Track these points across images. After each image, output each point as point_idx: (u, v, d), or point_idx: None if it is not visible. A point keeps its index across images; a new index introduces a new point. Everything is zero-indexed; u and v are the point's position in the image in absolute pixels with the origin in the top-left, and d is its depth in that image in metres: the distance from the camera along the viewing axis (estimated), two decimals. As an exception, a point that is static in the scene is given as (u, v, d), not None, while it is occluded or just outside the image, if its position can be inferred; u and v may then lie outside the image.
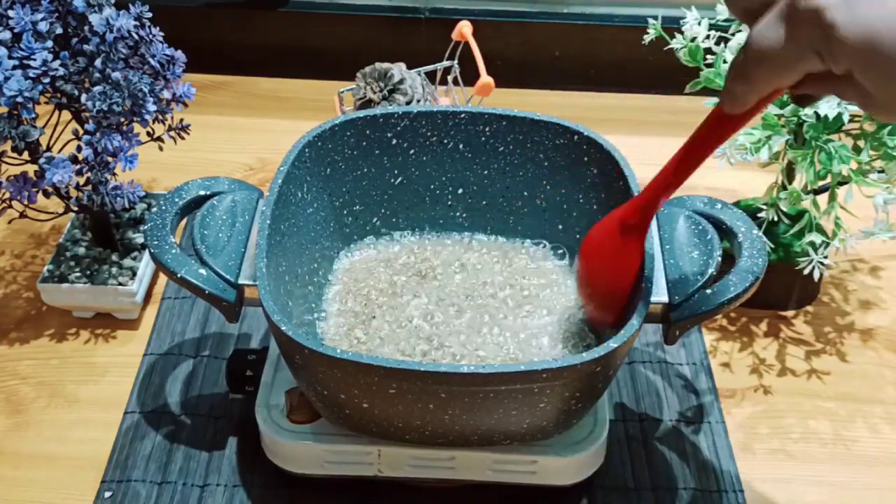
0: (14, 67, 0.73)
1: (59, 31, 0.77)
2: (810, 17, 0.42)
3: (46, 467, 0.77)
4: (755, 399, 0.83)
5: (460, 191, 0.81)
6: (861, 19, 0.40)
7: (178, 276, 0.67)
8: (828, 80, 0.45)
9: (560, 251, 0.81)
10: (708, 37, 0.82)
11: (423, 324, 0.75)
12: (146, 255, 0.89)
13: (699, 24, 0.82)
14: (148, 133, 0.84)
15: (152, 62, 0.79)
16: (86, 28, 0.78)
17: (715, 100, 0.82)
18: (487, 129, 0.78)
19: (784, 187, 0.83)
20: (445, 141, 0.79)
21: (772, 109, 0.77)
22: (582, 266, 0.69)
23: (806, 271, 0.79)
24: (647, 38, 0.85)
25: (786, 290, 0.90)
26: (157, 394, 0.82)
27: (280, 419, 0.72)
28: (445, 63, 1.00)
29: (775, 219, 0.83)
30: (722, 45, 0.81)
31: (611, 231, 0.66)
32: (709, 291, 0.67)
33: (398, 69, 0.92)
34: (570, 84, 1.21)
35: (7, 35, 0.74)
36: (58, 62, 0.75)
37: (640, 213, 0.64)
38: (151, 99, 0.78)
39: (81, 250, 0.89)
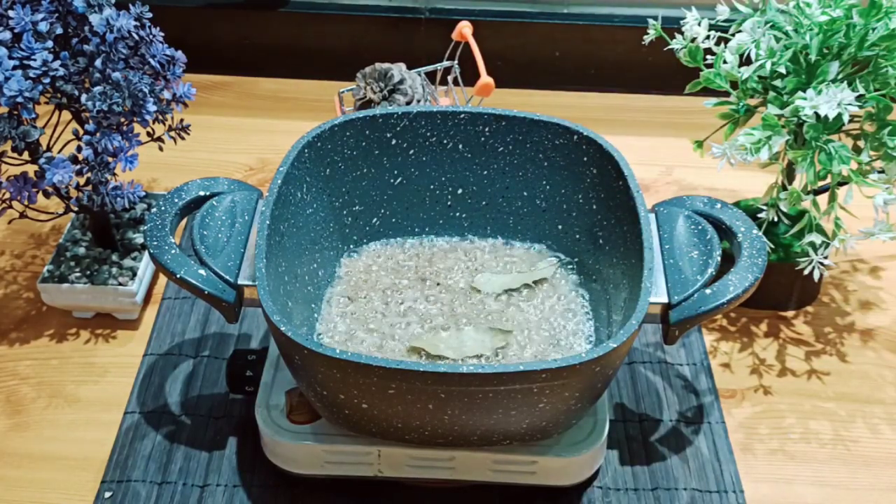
0: (14, 67, 0.73)
1: (59, 31, 0.77)
2: None
3: (46, 467, 0.77)
4: (755, 399, 0.83)
5: (460, 191, 0.81)
6: None
7: (178, 276, 0.67)
8: None
9: (559, 251, 0.81)
10: (708, 37, 0.82)
11: (423, 324, 0.75)
12: (146, 256, 0.89)
13: (699, 24, 0.82)
14: (148, 133, 0.84)
15: (152, 62, 0.79)
16: (86, 28, 0.78)
17: (714, 100, 0.83)
18: (487, 129, 0.78)
19: (784, 187, 0.83)
20: (445, 141, 0.79)
21: (772, 109, 0.77)
22: None
23: (806, 272, 0.78)
24: (647, 39, 0.85)
25: (786, 290, 0.90)
26: (157, 394, 0.82)
27: (280, 419, 0.72)
28: (445, 63, 1.00)
29: (775, 219, 0.83)
30: (722, 45, 0.81)
31: None
32: (708, 291, 0.67)
33: (398, 69, 0.92)
34: (570, 84, 1.21)
35: (7, 35, 0.74)
36: (58, 62, 0.75)
37: None
38: (151, 99, 0.78)
39: (81, 250, 0.89)
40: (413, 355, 0.72)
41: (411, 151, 0.79)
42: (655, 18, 0.85)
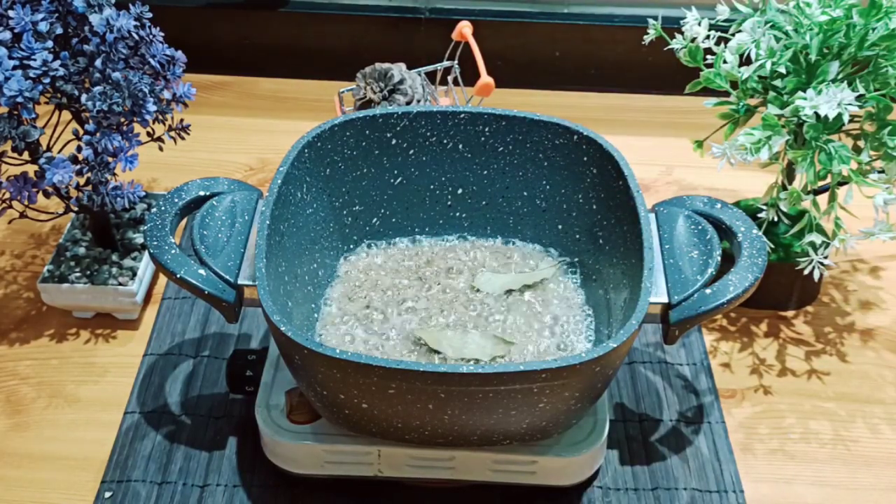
0: (14, 67, 0.73)
1: (59, 31, 0.77)
2: None
3: (46, 467, 0.77)
4: (755, 399, 0.83)
5: (460, 191, 0.81)
6: None
7: (178, 276, 0.67)
8: None
9: (559, 251, 0.81)
10: (708, 37, 0.82)
11: (423, 324, 0.75)
12: (146, 256, 0.89)
13: (699, 24, 0.82)
14: (148, 133, 0.84)
15: (152, 62, 0.79)
16: (86, 28, 0.78)
17: (714, 100, 0.83)
18: (487, 129, 0.78)
19: (784, 187, 0.83)
20: (445, 141, 0.79)
21: (772, 109, 0.77)
22: None
23: (806, 272, 0.78)
24: (647, 38, 0.85)
25: (786, 290, 0.90)
26: (157, 394, 0.82)
27: (280, 419, 0.72)
28: (445, 63, 1.00)
29: (775, 219, 0.83)
30: (722, 45, 0.81)
31: None
32: (708, 291, 0.67)
33: (398, 69, 0.92)
34: (570, 84, 1.21)
35: (7, 35, 0.74)
36: (58, 62, 0.75)
37: None
38: (152, 99, 0.78)
39: (81, 250, 0.89)
40: (412, 351, 0.72)
41: (411, 151, 0.79)
42: (655, 18, 0.85)
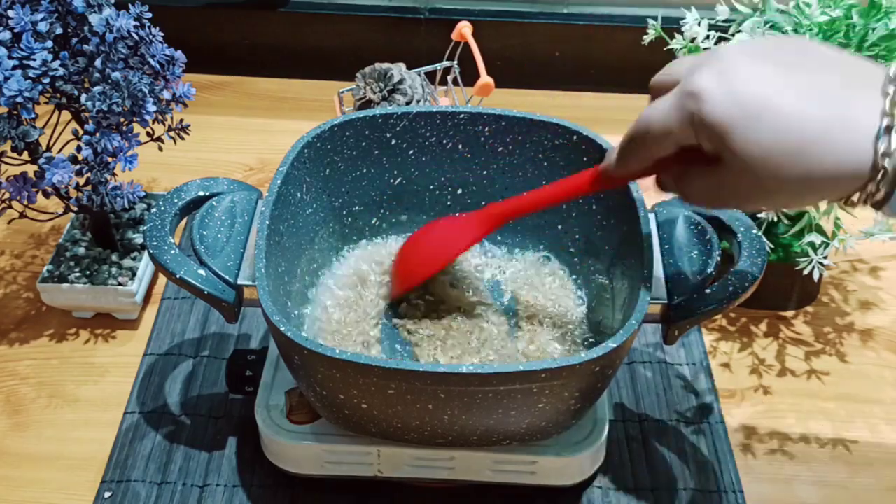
0: (14, 67, 0.73)
1: (59, 31, 0.77)
2: (692, 95, 0.50)
3: (46, 467, 0.77)
4: (755, 399, 0.83)
5: (460, 191, 0.81)
6: (725, 107, 0.48)
7: (178, 276, 0.67)
8: (692, 162, 0.53)
9: (559, 252, 0.81)
10: (708, 37, 0.82)
11: (423, 324, 0.75)
12: (146, 256, 0.89)
13: (699, 24, 0.82)
14: (148, 133, 0.84)
15: (152, 62, 0.79)
16: (86, 28, 0.78)
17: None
18: (487, 129, 0.78)
19: (784, 187, 0.83)
20: (445, 141, 0.79)
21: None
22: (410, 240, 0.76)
23: (806, 272, 0.79)
24: (646, 39, 0.85)
25: (786, 290, 0.90)
26: (157, 394, 0.82)
27: (280, 419, 0.72)
28: (445, 63, 1.00)
29: (775, 219, 0.83)
30: (722, 45, 0.81)
31: (452, 222, 0.73)
32: (708, 291, 0.67)
33: (398, 69, 0.92)
34: (570, 84, 1.21)
35: (7, 35, 0.74)
36: (58, 62, 0.75)
37: (482, 224, 0.70)
38: (151, 99, 0.78)
39: (81, 250, 0.89)
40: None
41: (411, 151, 0.79)
42: (655, 18, 0.85)
